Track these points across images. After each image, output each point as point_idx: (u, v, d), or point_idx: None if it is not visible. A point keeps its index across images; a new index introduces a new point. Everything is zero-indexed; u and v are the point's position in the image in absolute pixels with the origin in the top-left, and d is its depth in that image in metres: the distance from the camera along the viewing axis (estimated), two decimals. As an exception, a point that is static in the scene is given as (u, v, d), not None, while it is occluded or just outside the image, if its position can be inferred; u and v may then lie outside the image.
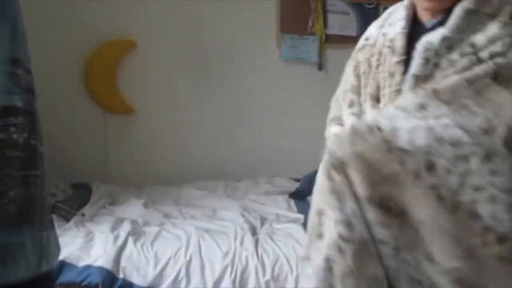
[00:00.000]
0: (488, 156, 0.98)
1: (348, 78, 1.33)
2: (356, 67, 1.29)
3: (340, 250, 1.07)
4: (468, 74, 1.04)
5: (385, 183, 1.05)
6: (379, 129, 1.06)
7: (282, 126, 3.67)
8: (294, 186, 3.34)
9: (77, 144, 3.48)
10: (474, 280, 0.99)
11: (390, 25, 1.21)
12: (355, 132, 1.10)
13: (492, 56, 1.04)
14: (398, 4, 1.25)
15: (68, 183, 3.21)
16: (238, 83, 3.60)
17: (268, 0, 3.54)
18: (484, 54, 1.05)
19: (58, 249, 0.91)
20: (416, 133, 1.03)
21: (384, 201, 1.06)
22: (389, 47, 1.16)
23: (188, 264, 2.44)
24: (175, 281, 2.40)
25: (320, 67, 3.61)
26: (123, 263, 2.42)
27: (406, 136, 1.04)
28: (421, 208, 1.02)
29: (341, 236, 1.07)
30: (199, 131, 3.62)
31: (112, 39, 3.45)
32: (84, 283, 2.35)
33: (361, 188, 1.07)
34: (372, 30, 1.28)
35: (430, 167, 1.00)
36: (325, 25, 3.58)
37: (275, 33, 3.58)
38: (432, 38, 1.10)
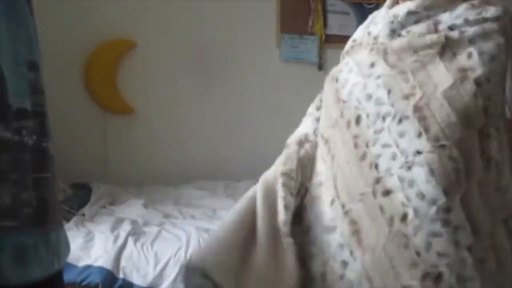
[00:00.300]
0: (400, 119, 1.08)
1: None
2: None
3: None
4: (416, 41, 1.10)
5: (332, 126, 1.22)
6: (336, 79, 1.22)
7: (282, 126, 3.65)
8: (294, 186, 3.33)
9: (77, 144, 3.48)
10: (362, 223, 1.09)
11: (374, 24, 1.27)
12: (328, 76, 1.30)
13: (450, 29, 1.10)
14: (382, 8, 1.32)
15: (68, 183, 3.21)
16: (238, 83, 3.60)
17: (268, 0, 3.55)
18: (442, 26, 1.11)
19: (68, 248, 0.93)
20: (355, 88, 1.15)
21: (327, 139, 1.23)
22: (373, 44, 1.21)
23: (188, 264, 2.44)
24: (175, 281, 2.40)
25: (320, 67, 3.61)
26: (123, 263, 2.42)
27: (349, 89, 1.17)
28: (343, 152, 1.16)
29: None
30: (199, 131, 3.62)
31: (112, 39, 3.45)
32: (84, 283, 2.35)
33: (321, 125, 1.29)
34: (359, 31, 1.35)
35: (358, 119, 1.13)
36: (325, 25, 3.58)
37: (275, 33, 3.59)
38: (398, 11, 1.16)
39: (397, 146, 1.07)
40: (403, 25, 1.15)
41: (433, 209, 1.03)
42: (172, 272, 2.42)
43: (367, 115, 1.12)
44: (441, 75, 1.06)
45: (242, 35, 3.57)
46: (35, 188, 0.81)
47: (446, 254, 1.01)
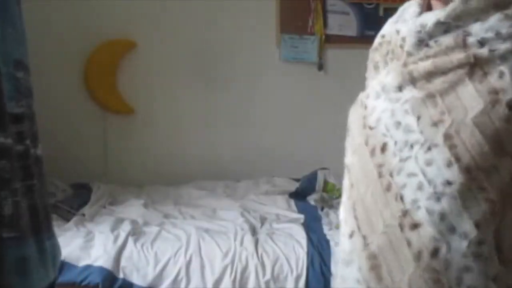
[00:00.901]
0: (429, 147, 1.01)
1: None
2: (375, 68, 1.27)
3: None
4: (443, 62, 1.03)
5: (353, 152, 1.16)
6: (365, 106, 1.14)
7: (282, 126, 3.67)
8: (294, 186, 3.34)
9: (77, 144, 3.48)
10: (383, 258, 1.04)
11: (403, 22, 1.18)
12: (356, 102, 1.19)
13: (480, 43, 1.02)
14: (412, 1, 1.22)
15: (68, 183, 3.21)
16: (238, 83, 3.60)
17: (268, 0, 3.54)
18: (471, 40, 1.03)
19: (60, 252, 0.91)
20: (383, 115, 1.08)
21: (349, 168, 1.17)
22: (401, 46, 1.15)
23: (188, 264, 2.44)
24: (175, 281, 2.41)
25: (320, 67, 3.61)
26: (123, 263, 2.42)
27: (377, 115, 1.10)
28: (364, 182, 1.10)
29: None
30: (199, 131, 3.62)
31: (112, 39, 3.45)
32: (84, 283, 2.35)
33: (347, 152, 1.20)
34: (387, 26, 1.27)
35: (383, 147, 1.07)
36: (325, 25, 3.58)
37: (275, 33, 3.58)
38: (426, 20, 1.08)
39: (424, 175, 1.01)
40: (431, 35, 1.07)
41: (465, 243, 0.98)
42: (172, 272, 2.42)
43: (395, 143, 1.05)
44: (471, 98, 0.99)
45: (242, 35, 3.57)
46: (27, 196, 0.79)
47: (476, 287, 0.98)
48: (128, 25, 3.48)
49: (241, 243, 2.53)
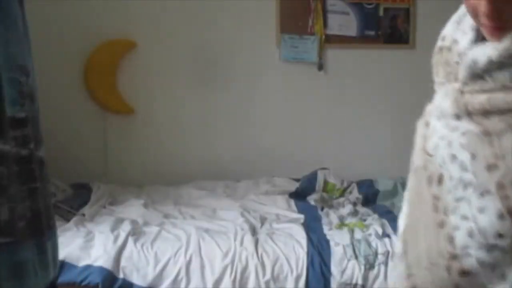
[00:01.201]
0: (482, 193, 0.96)
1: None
2: (437, 74, 1.22)
3: None
4: (498, 101, 0.97)
5: (414, 172, 1.10)
6: (427, 124, 1.08)
7: (282, 126, 3.67)
8: (294, 186, 3.34)
9: (77, 144, 3.48)
10: None
11: (463, 33, 1.09)
12: (423, 115, 1.12)
13: None
14: None
15: (68, 183, 3.21)
16: (238, 83, 3.60)
17: (268, 0, 3.54)
18: None
19: (58, 252, 0.91)
20: (441, 143, 1.03)
21: (408, 185, 1.12)
22: (457, 63, 1.07)
23: (188, 264, 2.44)
24: (175, 281, 2.41)
25: (320, 67, 3.61)
26: (123, 263, 2.42)
27: (435, 142, 1.04)
28: (418, 209, 1.05)
29: None
30: (199, 131, 3.62)
31: (112, 39, 3.45)
32: (84, 283, 2.35)
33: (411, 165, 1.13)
34: (449, 27, 1.17)
35: (440, 179, 1.01)
36: (325, 25, 3.58)
37: (275, 33, 3.58)
38: (478, 56, 1.01)
39: (476, 222, 0.96)
40: (484, 71, 0.99)
41: None
42: (172, 272, 2.42)
43: (450, 178, 1.00)
44: None
45: (242, 35, 3.57)
46: (29, 199, 0.78)
47: None
48: (128, 25, 3.48)
49: (241, 243, 2.53)
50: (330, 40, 3.59)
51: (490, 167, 0.95)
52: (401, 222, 1.14)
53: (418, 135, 1.10)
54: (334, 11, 3.58)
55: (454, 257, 0.97)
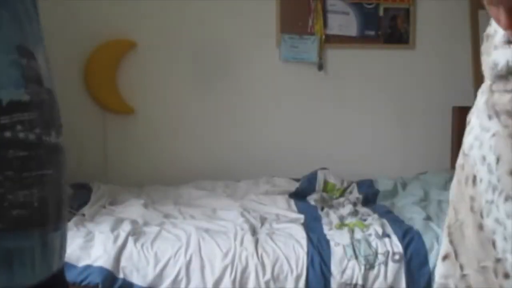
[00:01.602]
0: (506, 197, 0.95)
1: None
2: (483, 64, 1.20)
3: None
4: None
5: (456, 172, 1.08)
6: (468, 122, 1.06)
7: (282, 126, 3.67)
8: (294, 186, 3.34)
9: (77, 144, 3.48)
10: None
11: (494, 32, 1.08)
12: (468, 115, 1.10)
13: None
14: None
15: (68, 183, 3.20)
16: (238, 83, 3.60)
17: (268, 0, 3.55)
18: None
19: (66, 243, 0.88)
20: (475, 143, 1.01)
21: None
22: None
23: (188, 264, 2.44)
24: (175, 281, 2.41)
25: (320, 67, 3.61)
26: (123, 263, 2.42)
27: (470, 141, 1.03)
28: (463, 210, 1.04)
29: None
30: (199, 131, 3.62)
31: (112, 39, 3.45)
32: (84, 283, 2.35)
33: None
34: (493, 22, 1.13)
35: (474, 179, 1.00)
36: (325, 25, 3.58)
37: (275, 33, 3.59)
38: (499, 59, 1.00)
39: (505, 228, 0.95)
40: (506, 72, 0.98)
41: None
42: (172, 272, 2.42)
43: (481, 180, 0.98)
44: None
45: (242, 35, 3.57)
46: (37, 186, 0.76)
47: None
48: (128, 25, 3.48)
49: (241, 243, 2.53)
50: (330, 40, 3.59)
51: (511, 172, 0.94)
52: (446, 218, 1.12)
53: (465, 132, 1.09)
54: (334, 11, 3.58)
55: (498, 260, 0.96)
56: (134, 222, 2.72)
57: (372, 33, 3.63)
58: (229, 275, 2.41)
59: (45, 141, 0.78)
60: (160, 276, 2.41)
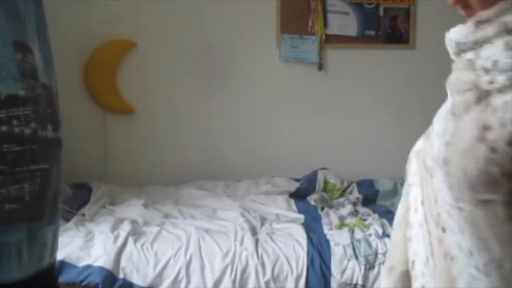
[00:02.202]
0: (440, 166, 0.98)
1: None
2: None
3: None
4: (464, 77, 0.98)
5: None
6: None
7: (282, 126, 3.67)
8: (294, 186, 3.34)
9: (77, 144, 3.48)
10: None
11: None
12: None
13: (485, 70, 0.93)
14: None
15: (68, 183, 3.21)
16: (238, 83, 3.60)
17: (268, 0, 3.55)
18: (479, 63, 0.95)
19: (57, 239, 0.88)
20: (437, 120, 1.04)
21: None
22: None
23: (188, 264, 2.44)
24: (175, 281, 2.41)
25: (320, 67, 3.61)
26: (123, 263, 2.42)
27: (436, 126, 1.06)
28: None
29: None
30: (199, 131, 3.62)
31: (112, 39, 3.45)
32: (84, 283, 2.35)
33: None
34: None
35: (431, 174, 1.03)
36: (325, 25, 3.58)
37: (275, 33, 3.58)
38: (451, 37, 1.03)
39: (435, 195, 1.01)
40: (457, 50, 1.02)
41: None
42: (172, 272, 2.42)
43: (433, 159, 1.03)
44: (468, 127, 0.92)
45: (242, 35, 3.57)
46: (29, 181, 0.75)
47: None
48: (128, 25, 3.48)
49: (241, 243, 2.53)
50: (330, 40, 3.59)
51: (448, 144, 0.96)
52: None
53: None
54: (334, 11, 3.58)
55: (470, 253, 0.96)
56: (134, 222, 2.72)
57: (372, 33, 3.63)
58: (229, 275, 2.41)
59: (40, 136, 0.77)
60: (160, 276, 2.41)
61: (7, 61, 0.74)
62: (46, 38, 0.85)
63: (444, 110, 1.02)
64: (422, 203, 1.06)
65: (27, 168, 0.76)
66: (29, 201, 0.76)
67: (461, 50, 1.01)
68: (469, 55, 0.98)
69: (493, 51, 0.92)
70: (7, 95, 0.73)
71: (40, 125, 0.78)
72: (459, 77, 0.98)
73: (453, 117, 0.96)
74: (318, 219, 2.89)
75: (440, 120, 1.01)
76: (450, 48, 1.04)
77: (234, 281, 2.40)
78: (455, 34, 1.01)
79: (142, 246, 2.50)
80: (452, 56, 1.04)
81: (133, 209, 2.95)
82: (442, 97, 1.11)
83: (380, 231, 2.64)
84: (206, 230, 2.64)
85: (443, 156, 0.95)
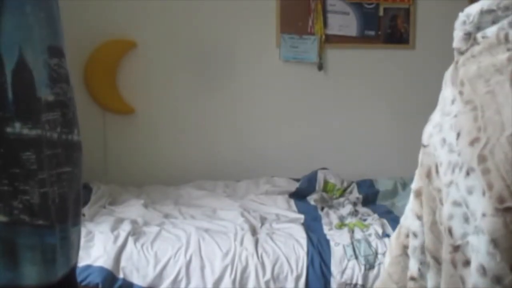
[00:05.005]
0: (467, 171, 0.84)
1: None
2: None
3: None
4: (485, 66, 0.86)
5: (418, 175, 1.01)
6: (431, 119, 0.98)
7: (282, 126, 3.67)
8: (294, 186, 3.34)
9: (77, 144, 3.48)
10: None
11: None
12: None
13: None
14: None
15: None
16: (238, 83, 3.60)
17: (268, 0, 3.55)
18: None
19: (80, 239, 0.90)
20: (434, 130, 0.93)
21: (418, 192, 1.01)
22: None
23: (188, 264, 2.44)
24: (175, 281, 2.41)
25: (320, 67, 3.61)
26: (123, 263, 2.42)
27: (429, 130, 0.95)
28: (426, 210, 0.96)
29: None
30: (199, 131, 3.62)
31: (112, 39, 3.45)
32: (84, 283, 2.35)
33: None
34: None
35: (437, 168, 0.91)
36: (325, 25, 3.58)
37: (275, 33, 3.58)
38: (471, 10, 0.91)
39: (467, 206, 0.84)
40: (478, 27, 0.89)
41: None
42: (172, 272, 2.42)
43: (440, 164, 0.88)
44: (510, 110, 0.80)
45: (242, 35, 3.57)
46: (58, 184, 0.78)
47: None
48: (128, 25, 3.48)
49: (241, 243, 2.53)
50: (330, 40, 3.59)
51: (472, 142, 0.84)
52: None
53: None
54: (334, 11, 3.58)
55: (456, 248, 0.87)
56: (134, 222, 2.72)
57: (372, 33, 3.63)
58: (229, 275, 2.41)
59: (64, 139, 0.80)
60: (160, 276, 2.41)
61: (43, 67, 0.76)
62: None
63: (448, 118, 0.90)
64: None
65: (56, 172, 0.79)
66: (58, 203, 0.78)
67: (478, 28, 0.88)
68: (495, 30, 0.85)
69: None
70: (45, 100, 0.75)
71: (66, 129, 0.81)
72: (481, 64, 0.86)
73: (474, 113, 0.85)
74: (318, 219, 2.89)
75: (446, 128, 0.90)
76: (461, 29, 0.92)
77: (234, 281, 2.40)
78: (482, 5, 0.88)
79: (142, 246, 2.50)
80: (459, 42, 0.93)
81: (133, 209, 2.95)
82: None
83: (380, 231, 2.64)
84: (206, 230, 2.64)
85: (478, 154, 0.81)
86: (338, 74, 3.65)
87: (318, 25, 3.57)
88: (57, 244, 0.77)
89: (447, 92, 0.94)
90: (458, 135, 0.85)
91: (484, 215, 0.81)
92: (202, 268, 2.43)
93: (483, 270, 0.82)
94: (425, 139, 0.95)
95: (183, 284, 2.40)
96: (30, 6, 0.74)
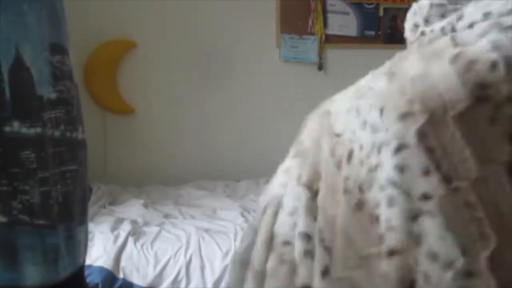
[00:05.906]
0: (398, 148, 0.77)
1: None
2: None
3: None
4: (428, 50, 0.83)
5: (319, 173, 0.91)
6: (328, 112, 0.87)
7: (282, 126, 3.67)
8: (294, 186, 3.33)
9: (77, 144, 3.48)
10: None
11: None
12: (311, 114, 0.92)
13: (470, 27, 0.82)
14: None
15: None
16: (238, 83, 3.60)
17: (268, 0, 3.55)
18: (460, 24, 0.84)
19: (88, 238, 0.90)
20: (349, 116, 0.85)
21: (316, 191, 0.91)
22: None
23: (188, 264, 2.44)
24: (175, 281, 2.41)
25: (320, 67, 3.61)
26: (123, 263, 2.42)
27: (343, 118, 0.86)
28: (332, 203, 0.86)
29: None
30: (199, 131, 3.62)
31: (112, 39, 3.45)
32: (84, 283, 2.35)
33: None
34: None
35: (350, 155, 0.83)
36: (325, 25, 3.58)
37: (275, 33, 3.58)
38: (423, 1, 0.89)
39: (395, 186, 0.78)
40: (427, 20, 0.88)
41: (449, 274, 0.75)
42: (172, 272, 2.42)
43: (361, 147, 0.82)
44: (452, 90, 0.77)
45: (242, 35, 3.57)
46: (61, 182, 0.77)
47: None
48: (128, 25, 3.48)
49: (241, 243, 2.53)
50: (330, 40, 3.59)
51: (404, 116, 0.74)
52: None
53: (319, 134, 0.91)
54: (334, 11, 3.58)
55: (381, 238, 0.76)
56: (134, 222, 2.72)
57: (372, 33, 3.63)
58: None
59: (68, 138, 0.80)
60: (160, 276, 2.41)
61: (45, 65, 0.75)
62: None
63: (366, 100, 0.81)
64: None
65: (60, 170, 0.78)
66: (62, 201, 0.77)
67: (427, 21, 0.83)
68: (443, 24, 0.82)
69: (486, 3, 0.78)
70: (48, 98, 0.75)
71: (70, 127, 0.81)
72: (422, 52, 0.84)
73: (401, 87, 0.81)
74: (318, 219, 2.89)
75: (366, 109, 0.80)
76: (411, 19, 0.86)
77: (234, 281, 2.40)
78: None
79: (142, 246, 2.50)
80: (408, 32, 0.86)
81: (133, 209, 2.95)
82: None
83: (380, 231, 2.64)
84: (206, 230, 2.64)
85: (416, 129, 0.75)
86: (338, 74, 3.65)
87: (318, 25, 3.57)
88: (59, 243, 0.76)
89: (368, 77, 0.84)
90: (382, 111, 0.76)
91: (428, 197, 0.73)
92: (202, 268, 2.43)
93: (433, 256, 0.74)
94: (338, 128, 0.79)
95: (183, 284, 2.40)
96: (28, 4, 0.73)
